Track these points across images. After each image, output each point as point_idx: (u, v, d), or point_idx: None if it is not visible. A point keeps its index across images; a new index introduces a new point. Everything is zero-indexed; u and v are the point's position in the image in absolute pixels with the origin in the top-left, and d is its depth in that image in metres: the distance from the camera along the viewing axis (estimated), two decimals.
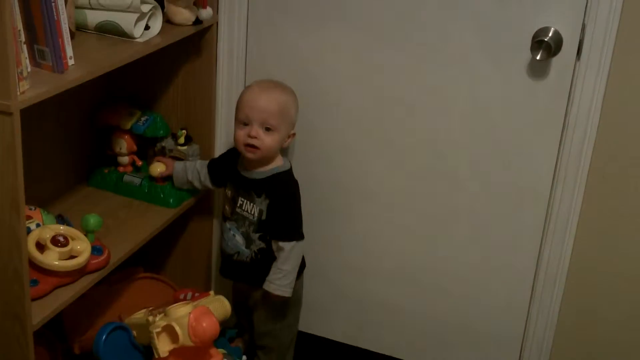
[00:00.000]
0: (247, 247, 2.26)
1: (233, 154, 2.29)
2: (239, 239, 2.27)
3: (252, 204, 2.23)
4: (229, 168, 2.29)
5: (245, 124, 2.16)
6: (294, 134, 2.23)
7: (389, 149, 2.35)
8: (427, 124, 2.28)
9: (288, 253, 2.22)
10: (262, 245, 2.25)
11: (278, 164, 2.24)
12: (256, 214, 2.22)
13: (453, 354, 2.53)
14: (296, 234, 2.24)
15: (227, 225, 2.30)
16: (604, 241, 2.23)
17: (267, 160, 2.21)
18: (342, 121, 2.37)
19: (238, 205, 2.25)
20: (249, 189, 2.23)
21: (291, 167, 2.27)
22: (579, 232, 2.24)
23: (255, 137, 2.15)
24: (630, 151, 2.11)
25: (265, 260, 2.25)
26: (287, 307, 2.38)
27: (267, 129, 2.15)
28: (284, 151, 2.31)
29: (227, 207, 2.30)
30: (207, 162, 2.35)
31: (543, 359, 2.41)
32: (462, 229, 2.36)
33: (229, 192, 2.28)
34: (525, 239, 2.31)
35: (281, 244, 2.22)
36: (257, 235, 2.24)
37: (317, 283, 2.57)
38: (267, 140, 2.16)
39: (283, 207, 2.22)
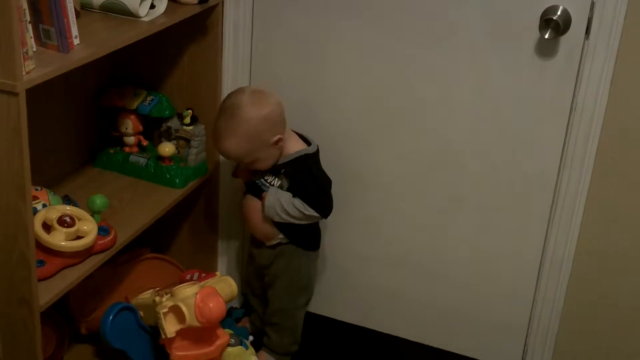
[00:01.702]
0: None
1: None
2: (265, 183, 2.28)
3: (273, 177, 2.25)
4: None
5: None
6: (279, 139, 2.18)
7: (394, 137, 2.34)
8: (432, 110, 2.27)
9: (303, 208, 2.21)
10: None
11: (297, 148, 2.24)
12: (276, 185, 2.25)
13: (458, 341, 2.54)
14: (318, 210, 2.23)
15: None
16: (611, 228, 2.22)
17: (277, 159, 2.23)
18: (347, 107, 2.36)
19: (263, 175, 2.27)
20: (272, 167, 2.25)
21: (317, 150, 2.27)
22: (586, 219, 2.23)
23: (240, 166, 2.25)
24: (639, 133, 2.09)
25: None
26: (302, 287, 2.40)
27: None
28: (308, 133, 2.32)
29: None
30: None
31: (548, 346, 2.41)
32: (468, 216, 2.36)
33: None
34: (531, 225, 2.30)
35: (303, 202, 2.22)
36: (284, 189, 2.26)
37: (324, 268, 2.57)
38: (255, 166, 2.22)
39: (303, 188, 2.23)
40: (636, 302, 2.28)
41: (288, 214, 2.22)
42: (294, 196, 2.22)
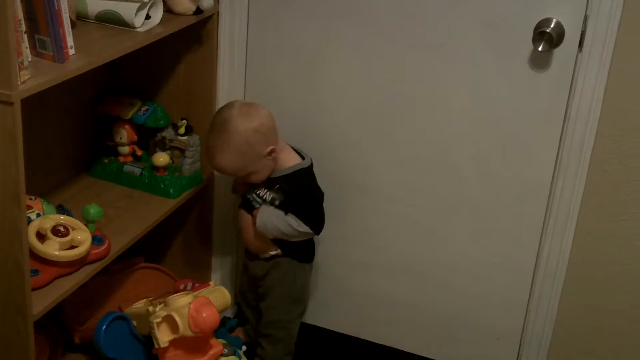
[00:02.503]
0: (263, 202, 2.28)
1: None
2: (257, 198, 2.28)
3: (266, 190, 2.24)
4: None
5: None
6: (272, 149, 2.18)
7: (391, 143, 2.35)
8: (429, 118, 2.28)
9: (296, 225, 2.21)
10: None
11: (294, 162, 2.24)
12: (268, 200, 2.24)
13: (452, 347, 2.54)
14: (312, 224, 2.24)
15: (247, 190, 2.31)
16: (604, 235, 2.22)
17: (272, 171, 2.22)
18: (344, 114, 2.36)
19: (255, 188, 2.27)
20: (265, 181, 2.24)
21: (311, 164, 2.27)
22: (579, 226, 2.23)
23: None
24: (632, 144, 2.10)
25: None
26: (296, 298, 2.40)
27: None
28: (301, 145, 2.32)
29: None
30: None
31: (542, 353, 2.41)
32: (463, 223, 2.36)
33: None
34: (525, 232, 2.31)
35: (298, 219, 2.22)
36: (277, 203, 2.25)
37: (320, 276, 2.57)
38: (251, 179, 2.21)
39: (297, 204, 2.23)
40: (629, 310, 2.28)
41: (281, 231, 2.23)
42: (287, 213, 2.22)
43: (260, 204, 2.25)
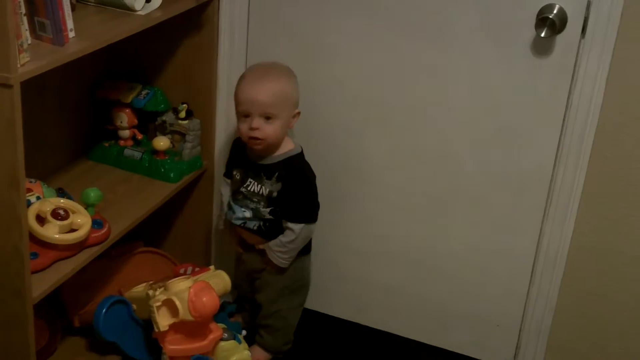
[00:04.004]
0: (255, 219, 2.27)
1: (239, 144, 2.30)
2: (248, 214, 2.28)
3: (260, 185, 2.23)
4: (239, 157, 2.29)
5: (246, 116, 2.16)
6: (298, 113, 2.22)
7: (390, 131, 2.34)
8: (428, 105, 2.27)
9: (296, 234, 2.23)
10: (272, 218, 2.25)
11: (289, 148, 2.24)
12: (265, 194, 2.23)
13: (452, 335, 2.54)
14: (307, 217, 2.25)
15: (232, 202, 2.30)
16: (605, 224, 2.21)
17: (275, 147, 2.21)
18: (343, 102, 2.35)
19: (245, 185, 2.25)
20: (259, 171, 2.23)
21: (302, 150, 2.27)
22: (580, 214, 2.23)
23: (257, 129, 2.15)
24: (634, 132, 2.09)
25: (274, 229, 2.27)
26: (295, 289, 2.39)
27: (268, 118, 2.15)
28: (292, 134, 2.31)
29: (233, 188, 2.32)
30: (223, 174, 2.39)
31: (541, 341, 2.41)
32: (463, 211, 2.36)
33: (237, 175, 2.29)
34: (526, 221, 2.30)
35: (290, 224, 2.23)
36: (268, 210, 2.24)
37: (318, 263, 2.56)
38: (269, 130, 2.16)
39: (296, 191, 2.23)
40: (629, 298, 2.28)
41: (294, 248, 2.26)
42: (282, 211, 2.24)
43: (255, 226, 2.28)
